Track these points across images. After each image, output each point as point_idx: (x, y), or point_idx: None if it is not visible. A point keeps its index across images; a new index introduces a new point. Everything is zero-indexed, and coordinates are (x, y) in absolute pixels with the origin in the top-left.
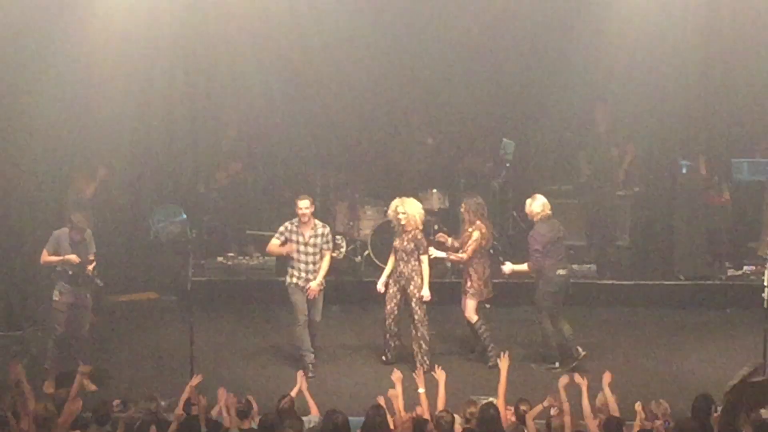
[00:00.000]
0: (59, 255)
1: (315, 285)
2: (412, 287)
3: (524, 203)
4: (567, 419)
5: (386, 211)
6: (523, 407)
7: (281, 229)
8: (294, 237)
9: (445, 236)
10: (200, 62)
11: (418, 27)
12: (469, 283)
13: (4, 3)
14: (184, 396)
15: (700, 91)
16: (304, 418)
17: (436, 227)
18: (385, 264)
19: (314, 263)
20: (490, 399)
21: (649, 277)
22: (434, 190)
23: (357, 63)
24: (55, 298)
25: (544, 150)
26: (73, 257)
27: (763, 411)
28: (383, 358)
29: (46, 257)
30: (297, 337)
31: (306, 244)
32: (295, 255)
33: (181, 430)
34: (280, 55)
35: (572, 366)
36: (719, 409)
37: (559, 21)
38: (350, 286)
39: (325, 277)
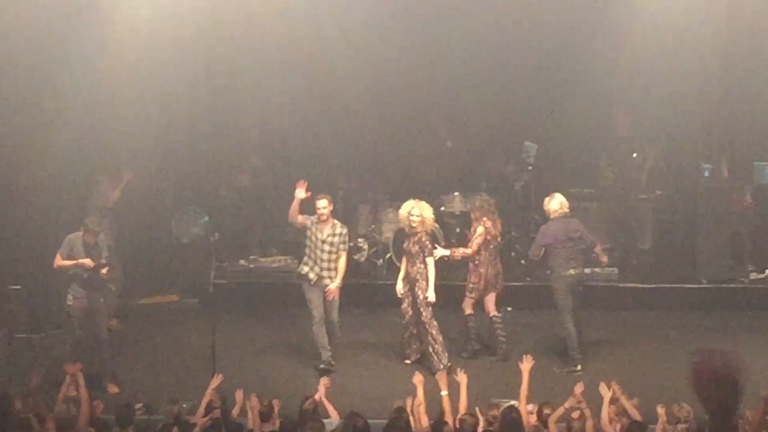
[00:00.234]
0: (73, 259)
1: (334, 287)
2: (416, 289)
3: None
4: (589, 424)
5: None
6: (546, 410)
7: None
8: (312, 233)
9: (456, 250)
10: (222, 65)
11: (439, 30)
12: (468, 278)
13: (28, 7)
14: (206, 399)
15: (723, 95)
16: (325, 421)
17: (458, 230)
18: None
19: (329, 261)
20: (512, 402)
21: (671, 281)
22: (456, 193)
23: (379, 66)
24: (69, 302)
25: (566, 153)
26: (87, 261)
27: None
28: (405, 360)
29: (59, 261)
30: (314, 334)
31: (323, 242)
32: (311, 251)
33: None
34: (301, 58)
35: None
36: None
37: (581, 24)
38: (372, 289)
39: (343, 278)
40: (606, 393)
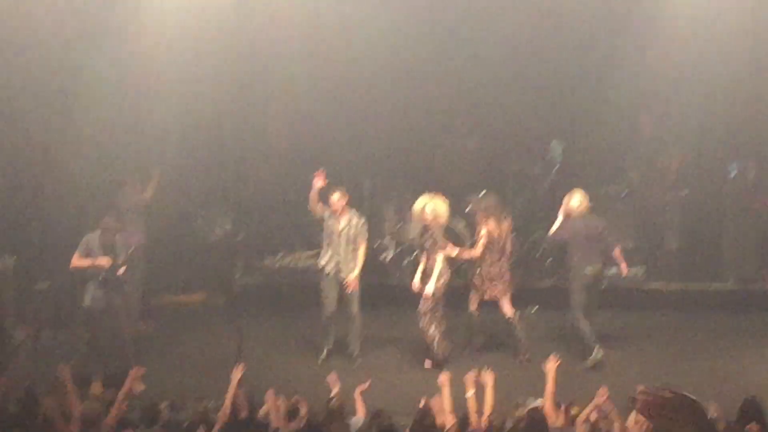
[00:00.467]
0: (90, 258)
1: (353, 278)
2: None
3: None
4: (616, 425)
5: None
6: (573, 411)
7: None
8: (329, 225)
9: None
10: (249, 62)
11: (466, 29)
12: (471, 275)
13: (55, 5)
14: (230, 393)
15: (750, 94)
16: (351, 420)
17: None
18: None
19: (347, 253)
20: (538, 402)
21: (698, 280)
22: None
23: (406, 64)
24: (86, 303)
25: (593, 152)
26: (104, 261)
27: None
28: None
29: (76, 261)
30: (322, 328)
31: (340, 234)
32: (328, 243)
33: (225, 430)
34: (327, 57)
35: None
36: None
37: (608, 23)
38: (398, 289)
39: (362, 269)
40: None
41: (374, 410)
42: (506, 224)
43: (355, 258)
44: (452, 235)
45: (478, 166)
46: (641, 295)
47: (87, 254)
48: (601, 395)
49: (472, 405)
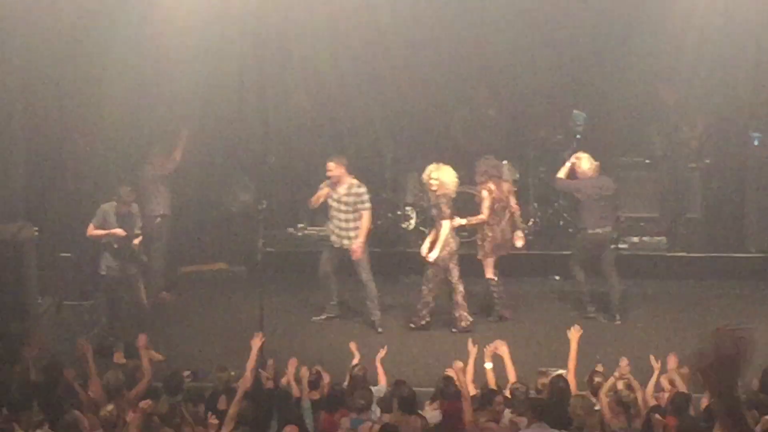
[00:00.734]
0: (105, 229)
1: (357, 245)
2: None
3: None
4: (639, 395)
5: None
6: (597, 379)
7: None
8: (330, 195)
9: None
10: (272, 32)
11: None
12: (480, 243)
13: None
14: (251, 361)
15: None
16: (373, 388)
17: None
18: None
19: (347, 221)
20: (561, 371)
21: (720, 250)
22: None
23: (427, 33)
24: (102, 272)
25: (615, 122)
26: (119, 231)
27: None
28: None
29: (92, 230)
30: (321, 287)
31: (338, 202)
32: (331, 213)
33: (247, 399)
34: (348, 26)
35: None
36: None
37: None
38: (420, 257)
39: (366, 236)
40: (655, 365)
41: (396, 380)
42: (506, 186)
43: (357, 226)
44: (471, 203)
45: (500, 136)
46: (663, 264)
47: (102, 224)
48: (624, 365)
49: (491, 376)
